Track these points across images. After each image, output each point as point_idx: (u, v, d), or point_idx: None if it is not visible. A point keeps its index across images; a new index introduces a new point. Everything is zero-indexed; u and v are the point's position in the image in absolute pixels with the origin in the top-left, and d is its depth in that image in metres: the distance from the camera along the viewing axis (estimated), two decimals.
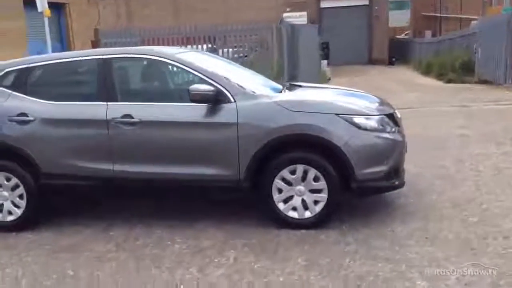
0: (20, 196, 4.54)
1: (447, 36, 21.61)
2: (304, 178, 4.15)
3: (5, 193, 4.54)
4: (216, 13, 30.65)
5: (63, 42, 23.98)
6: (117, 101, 4.37)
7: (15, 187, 4.52)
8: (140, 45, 14.14)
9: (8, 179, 4.52)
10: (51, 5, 21.20)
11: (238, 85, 4.33)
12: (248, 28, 13.78)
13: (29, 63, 4.66)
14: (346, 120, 4.09)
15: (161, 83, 4.69)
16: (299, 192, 4.18)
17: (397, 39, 34.34)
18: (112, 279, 3.55)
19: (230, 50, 14.01)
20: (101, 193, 4.71)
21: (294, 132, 4.13)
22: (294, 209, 4.21)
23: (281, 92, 4.68)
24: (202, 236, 4.20)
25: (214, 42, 14.36)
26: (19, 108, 4.48)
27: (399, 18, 37.49)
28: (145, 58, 4.56)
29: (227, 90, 4.21)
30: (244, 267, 3.61)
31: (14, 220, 4.56)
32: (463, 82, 15.42)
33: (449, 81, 15.98)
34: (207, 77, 4.28)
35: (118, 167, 4.35)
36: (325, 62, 21.33)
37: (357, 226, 4.23)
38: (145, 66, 4.73)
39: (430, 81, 17.51)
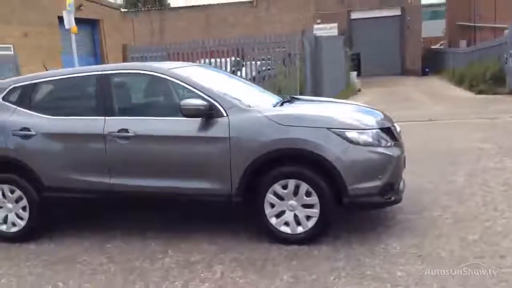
0: (24, 208, 4.67)
1: (480, 46, 21.08)
2: (296, 192, 4.12)
3: (9, 205, 4.69)
4: (247, 26, 30.98)
5: (97, 57, 24.78)
6: (114, 116, 4.45)
7: (19, 199, 4.66)
8: (166, 60, 14.44)
9: (12, 191, 4.66)
10: (85, 22, 21.95)
11: (232, 99, 4.35)
12: (271, 41, 13.82)
13: (32, 80, 4.82)
14: (338, 135, 4.04)
15: (156, 98, 4.76)
16: (291, 207, 4.14)
17: (431, 49, 33.80)
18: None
19: (257, 63, 14.10)
20: (100, 206, 4.78)
21: (285, 146, 4.10)
22: (287, 224, 4.18)
23: (277, 105, 4.66)
24: (195, 250, 4.21)
25: (240, 56, 14.49)
26: (22, 123, 4.63)
27: (433, 28, 36.91)
28: (141, 73, 4.63)
29: (219, 105, 4.23)
30: (229, 282, 3.60)
31: (17, 232, 4.70)
32: (494, 93, 15.01)
33: (480, 92, 15.58)
34: (201, 91, 4.31)
35: (114, 181, 4.43)
36: (354, 73, 21.18)
37: (352, 242, 4.16)
38: (141, 81, 4.81)
39: (461, 92, 17.11)
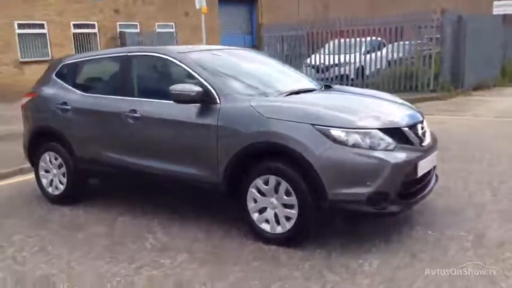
0: (63, 175, 5.20)
1: None
2: (277, 190, 3.86)
3: (54, 171, 5.25)
4: (415, 2, 28.91)
5: (253, 35, 25.74)
6: (129, 96, 4.65)
7: (60, 166, 5.20)
8: (301, 39, 14.33)
9: (56, 159, 5.22)
10: (244, 1, 22.81)
11: (228, 86, 4.20)
12: (404, 20, 12.79)
13: (76, 58, 5.29)
14: (322, 132, 3.65)
15: (164, 81, 4.80)
16: (271, 205, 3.90)
17: None
18: (72, 257, 3.87)
19: (405, 43, 13.25)
20: (117, 180, 5.10)
21: (266, 140, 3.85)
22: (267, 221, 3.95)
23: (289, 95, 4.33)
24: (178, 237, 4.22)
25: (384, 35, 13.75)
26: (63, 97, 5.13)
27: None
28: (154, 56, 4.72)
29: (215, 92, 4.13)
30: (178, 272, 3.56)
31: (58, 195, 5.26)
32: None
33: None
34: (200, 77, 4.25)
35: (125, 158, 4.67)
36: None
37: (331, 251, 3.78)
38: (154, 64, 4.88)
39: None
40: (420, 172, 3.90)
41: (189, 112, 4.19)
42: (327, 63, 14.41)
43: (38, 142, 5.35)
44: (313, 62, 14.56)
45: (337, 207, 3.69)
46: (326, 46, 14.62)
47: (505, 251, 3.65)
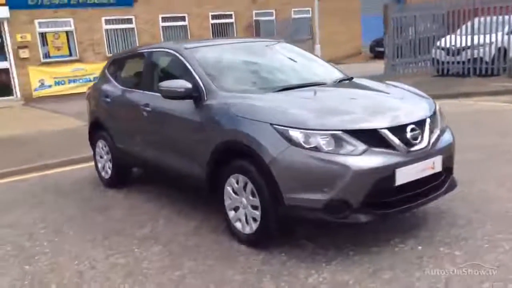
0: (110, 161, 5.75)
1: None
2: (246, 190, 3.81)
3: (105, 157, 5.84)
4: None
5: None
6: (147, 90, 4.94)
7: (108, 153, 5.76)
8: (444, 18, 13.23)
9: (105, 146, 5.80)
10: None
11: (217, 83, 4.20)
12: None
13: (121, 54, 5.75)
14: (280, 133, 3.49)
15: (170, 76, 4.90)
16: (242, 204, 3.87)
17: None
18: (70, 239, 4.31)
19: None
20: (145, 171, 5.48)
21: (233, 139, 3.82)
22: (239, 220, 3.93)
23: (279, 90, 4.17)
24: (170, 228, 4.40)
25: None
26: (106, 91, 5.65)
27: None
28: (166, 52, 4.89)
29: (204, 88, 4.18)
30: (137, 262, 3.76)
31: (107, 179, 5.84)
32: None
33: None
34: (195, 73, 4.33)
35: (140, 150, 5.01)
36: None
37: (292, 257, 3.63)
38: (166, 60, 5.01)
39: None
40: (400, 180, 3.48)
41: (184, 108, 4.31)
42: (459, 45, 13.05)
43: (93, 130, 5.97)
44: (445, 44, 13.32)
45: (294, 213, 3.50)
46: (465, 26, 13.20)
47: None
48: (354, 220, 3.42)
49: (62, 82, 15.59)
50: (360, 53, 23.03)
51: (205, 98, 4.13)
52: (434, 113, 3.95)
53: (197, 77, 4.26)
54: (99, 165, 5.97)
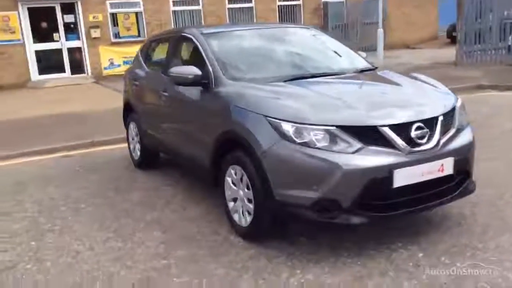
0: (139, 143, 5.87)
1: None
2: (242, 182, 3.74)
3: (135, 138, 5.97)
4: None
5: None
6: (166, 75, 4.94)
7: (137, 135, 5.89)
8: None
9: (134, 128, 5.93)
10: None
11: (225, 71, 4.11)
12: None
13: (155, 37, 5.82)
14: (273, 125, 3.36)
15: (188, 61, 4.83)
16: (239, 196, 3.79)
17: None
18: (80, 217, 4.46)
19: None
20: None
21: (231, 129, 3.73)
22: (237, 212, 3.87)
23: (287, 80, 4.01)
24: (177, 213, 4.44)
25: None
26: (136, 74, 5.75)
27: None
28: (185, 36, 4.83)
29: (213, 75, 4.11)
30: (132, 248, 3.82)
31: (137, 160, 5.98)
32: None
33: None
34: (207, 59, 4.27)
35: (160, 134, 5.06)
36: None
37: (284, 255, 3.51)
38: (185, 44, 4.95)
39: None
40: (399, 182, 3.24)
41: (195, 95, 4.28)
42: None
43: (125, 112, 6.12)
44: None
45: (284, 209, 3.37)
46: None
47: None
48: (344, 221, 3.25)
49: (131, 62, 16.09)
50: (436, 38, 21.82)
51: (213, 86, 4.06)
52: (452, 110, 3.63)
53: (208, 64, 4.20)
54: (131, 146, 6.12)
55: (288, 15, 18.69)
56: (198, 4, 17.03)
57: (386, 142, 3.24)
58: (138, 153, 5.88)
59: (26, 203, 4.99)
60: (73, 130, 8.14)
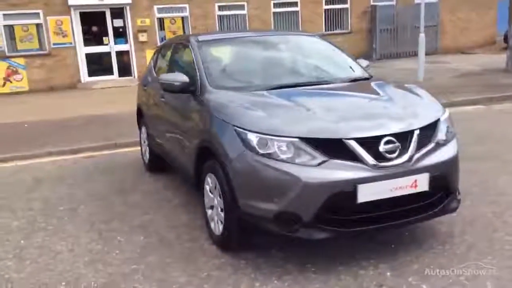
0: (148, 147, 6.00)
1: None
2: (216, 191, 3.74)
3: (146, 142, 6.09)
4: None
5: None
6: None
7: (146, 139, 6.02)
8: None
9: (144, 132, 6.06)
10: None
11: (211, 79, 4.12)
12: None
13: (164, 43, 5.93)
14: (239, 135, 3.34)
15: (182, 67, 4.84)
16: (215, 204, 3.79)
17: None
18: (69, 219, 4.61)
19: None
20: None
21: (207, 137, 3.74)
22: (213, 221, 3.87)
23: (271, 89, 3.96)
24: (166, 218, 4.49)
25: None
26: (146, 79, 5.88)
27: None
28: (183, 43, 4.88)
29: (200, 83, 4.14)
30: (109, 252, 3.91)
31: (147, 163, 6.11)
32: None
33: None
34: (197, 67, 4.30)
35: (161, 139, 5.15)
36: None
37: (250, 267, 3.48)
38: (183, 51, 4.93)
39: None
40: (364, 198, 3.12)
41: (185, 101, 4.30)
42: None
43: (138, 116, 6.27)
44: None
45: (249, 220, 3.34)
46: None
47: None
48: (305, 235, 3.17)
49: None
50: (494, 43, 20.79)
51: (199, 93, 4.08)
52: (434, 123, 3.46)
53: (197, 71, 4.23)
54: (143, 150, 6.25)
55: (334, 19, 18.46)
56: (243, 9, 17.15)
57: (352, 156, 3.13)
58: (148, 156, 5.99)
59: (34, 201, 5.22)
60: (105, 131, 8.40)
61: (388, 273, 3.25)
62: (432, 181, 3.27)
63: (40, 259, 3.79)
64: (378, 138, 3.18)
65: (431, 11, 18.23)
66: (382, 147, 3.16)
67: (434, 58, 16.86)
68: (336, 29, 18.56)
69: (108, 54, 16.01)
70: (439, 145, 3.42)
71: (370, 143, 3.16)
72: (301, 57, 4.73)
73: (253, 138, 3.24)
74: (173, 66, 5.11)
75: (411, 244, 3.64)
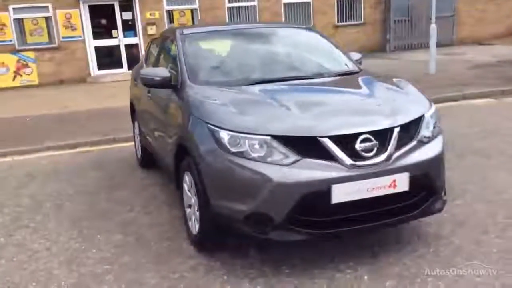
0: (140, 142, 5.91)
1: None
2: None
3: (138, 137, 5.99)
4: None
5: None
6: None
7: (138, 134, 5.92)
8: None
9: (136, 127, 5.97)
10: None
11: (191, 73, 3.99)
12: None
13: (155, 36, 5.81)
14: (212, 133, 3.22)
15: (167, 61, 4.71)
16: (192, 203, 3.68)
17: None
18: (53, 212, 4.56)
19: None
20: None
21: (184, 135, 3.62)
22: (191, 219, 3.76)
23: (251, 84, 3.82)
24: (151, 216, 4.42)
25: None
26: (137, 73, 5.71)
27: None
28: (168, 36, 4.77)
29: (181, 78, 4.01)
30: (86, 250, 3.84)
31: (139, 159, 6.02)
32: None
33: None
34: (179, 60, 4.18)
35: (148, 136, 5.05)
36: None
37: (225, 268, 3.37)
38: (169, 44, 4.73)
39: None
40: (339, 198, 2.98)
41: (166, 96, 4.19)
42: None
43: (131, 111, 6.18)
44: None
45: (221, 221, 3.22)
46: None
47: None
48: (277, 237, 3.05)
49: None
50: None
51: (179, 88, 3.96)
52: (417, 120, 3.30)
53: (179, 65, 4.11)
54: (136, 145, 6.17)
55: (347, 9, 18.11)
56: (253, 0, 16.94)
57: (326, 155, 2.99)
58: (140, 152, 5.91)
59: (23, 197, 5.18)
60: (106, 126, 8.30)
61: (366, 277, 3.12)
62: (413, 181, 3.12)
63: (16, 258, 3.74)
64: (354, 136, 3.02)
65: (447, 1, 17.80)
66: (358, 146, 3.01)
67: (449, 50, 16.46)
68: (348, 20, 18.22)
69: (117, 47, 15.98)
70: (422, 143, 3.25)
71: (345, 141, 3.01)
72: (288, 50, 4.58)
73: (224, 136, 3.11)
74: (160, 59, 4.99)
75: (395, 246, 3.50)
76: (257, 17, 16.85)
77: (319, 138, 2.99)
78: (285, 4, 17.32)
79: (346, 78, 4.08)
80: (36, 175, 5.98)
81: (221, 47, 4.52)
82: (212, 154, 3.16)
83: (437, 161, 3.29)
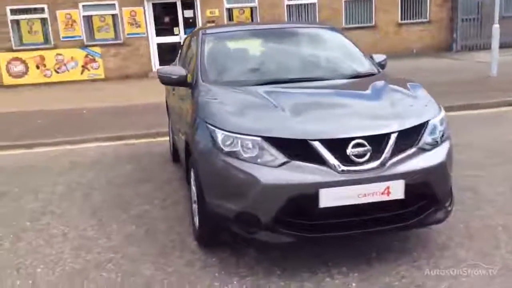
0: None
1: None
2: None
3: (171, 134, 6.18)
4: None
5: None
6: None
7: (170, 130, 6.11)
8: None
9: (170, 123, 6.16)
10: None
11: (205, 72, 4.07)
12: None
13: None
14: (210, 132, 3.28)
15: (191, 59, 4.78)
16: (195, 199, 3.77)
17: None
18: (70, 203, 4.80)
19: None
20: None
21: (192, 132, 3.70)
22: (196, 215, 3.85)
23: (262, 84, 3.84)
24: (162, 210, 4.57)
25: None
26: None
27: None
28: (195, 35, 4.84)
29: (196, 76, 4.11)
30: (89, 242, 4.03)
31: (171, 154, 6.20)
32: None
33: None
34: (198, 59, 4.27)
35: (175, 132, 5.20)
36: None
37: (218, 266, 3.44)
38: (194, 43, 4.82)
39: None
40: (327, 202, 2.96)
41: (185, 94, 4.30)
42: None
43: (167, 107, 6.38)
44: None
45: (216, 218, 3.28)
46: None
47: None
48: (264, 238, 3.07)
49: None
50: None
51: (193, 86, 4.06)
52: (420, 126, 3.19)
53: (196, 64, 4.21)
54: (170, 140, 6.35)
55: (412, 7, 17.54)
56: None
57: (316, 158, 2.96)
58: (171, 147, 6.09)
59: (59, 185, 5.51)
60: (155, 120, 8.49)
61: (354, 284, 3.05)
62: (409, 189, 3.01)
63: (35, 241, 3.98)
64: (346, 141, 2.97)
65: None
66: (350, 150, 2.95)
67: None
68: (413, 18, 17.65)
69: (178, 44, 16.39)
70: (423, 150, 3.14)
71: (337, 146, 2.96)
72: (305, 51, 4.54)
73: (219, 135, 3.16)
74: (186, 58, 5.11)
75: (395, 254, 3.40)
76: (317, 15, 16.70)
77: (309, 141, 2.96)
78: (345, 1, 17.03)
79: (357, 81, 3.99)
80: (78, 164, 6.33)
81: (239, 47, 4.57)
82: (208, 153, 3.22)
83: (440, 170, 3.16)
